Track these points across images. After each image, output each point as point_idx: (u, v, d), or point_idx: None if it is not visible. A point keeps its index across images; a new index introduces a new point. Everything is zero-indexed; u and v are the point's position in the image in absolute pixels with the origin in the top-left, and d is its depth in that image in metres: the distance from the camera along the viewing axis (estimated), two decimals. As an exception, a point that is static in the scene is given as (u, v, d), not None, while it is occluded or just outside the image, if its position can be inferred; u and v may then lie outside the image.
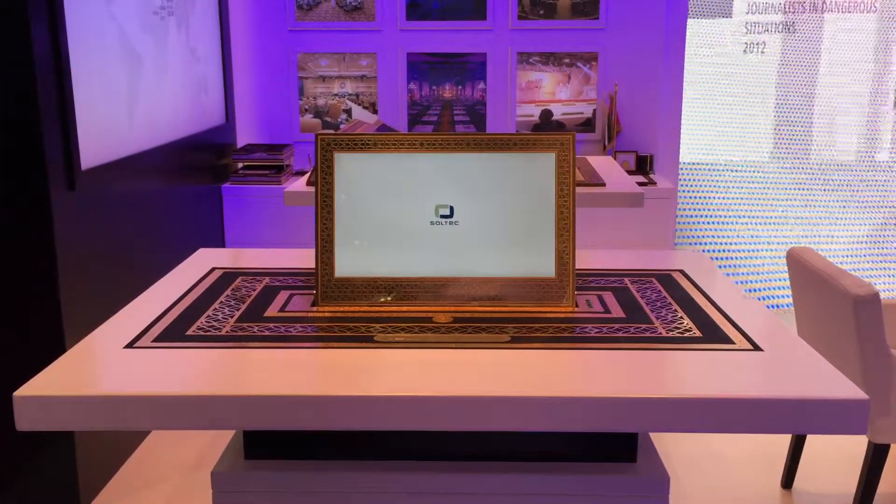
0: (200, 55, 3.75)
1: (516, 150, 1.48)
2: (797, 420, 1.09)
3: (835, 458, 2.88)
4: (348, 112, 4.39)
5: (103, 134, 2.80)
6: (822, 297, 2.33)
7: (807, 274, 2.43)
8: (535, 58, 4.36)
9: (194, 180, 3.77)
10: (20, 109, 2.40)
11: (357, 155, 1.49)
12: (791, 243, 4.40)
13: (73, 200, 2.58)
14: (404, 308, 1.44)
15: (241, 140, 4.30)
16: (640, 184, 4.09)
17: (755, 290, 4.53)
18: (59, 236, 2.49)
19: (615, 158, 4.31)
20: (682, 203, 4.54)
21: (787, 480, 2.74)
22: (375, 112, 4.39)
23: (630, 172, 4.28)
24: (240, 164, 4.11)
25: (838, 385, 1.11)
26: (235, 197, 4.05)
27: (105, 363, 1.21)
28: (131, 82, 3.02)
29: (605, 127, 4.36)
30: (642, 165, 4.36)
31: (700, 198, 4.60)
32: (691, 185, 4.60)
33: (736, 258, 4.57)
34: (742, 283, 4.52)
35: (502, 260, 1.46)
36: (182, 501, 2.64)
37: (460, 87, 4.37)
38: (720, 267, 4.47)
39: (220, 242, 4.02)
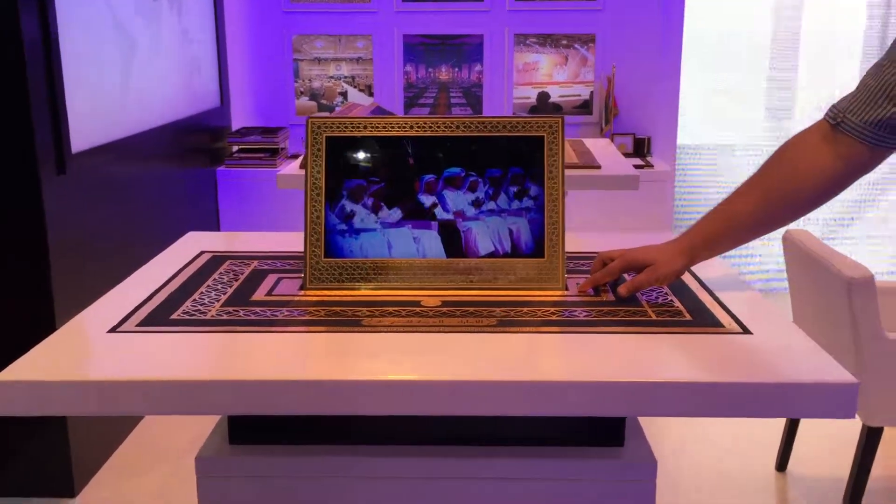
0: (193, 37, 3.72)
1: (506, 133, 1.47)
2: (784, 404, 1.07)
3: (829, 440, 2.88)
4: (344, 94, 4.37)
5: (95, 116, 2.78)
6: (817, 279, 2.31)
7: (802, 256, 2.42)
8: (533, 39, 4.33)
9: (189, 163, 3.75)
10: (8, 92, 2.38)
11: (347, 138, 1.47)
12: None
13: (64, 184, 2.56)
14: (393, 292, 1.43)
15: (237, 123, 4.28)
16: (637, 166, 4.07)
17: (752, 273, 4.52)
18: (49, 220, 2.48)
19: (612, 141, 4.29)
20: (680, 186, 4.52)
21: (781, 464, 2.74)
22: (371, 94, 4.37)
23: (627, 155, 4.26)
24: (235, 148, 4.10)
25: (827, 368, 1.10)
26: (230, 180, 4.03)
27: (88, 348, 1.20)
28: (123, 64, 3.00)
29: (603, 109, 4.34)
30: (640, 148, 4.34)
31: (698, 180, 4.58)
32: (689, 168, 4.58)
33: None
34: (739, 265, 4.51)
35: (492, 243, 1.45)
36: (177, 484, 2.64)
37: (457, 69, 4.34)
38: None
39: (214, 226, 4.01)
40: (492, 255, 1.45)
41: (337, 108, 4.29)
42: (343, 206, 1.46)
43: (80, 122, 2.67)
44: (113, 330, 1.26)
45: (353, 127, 1.47)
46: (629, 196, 3.87)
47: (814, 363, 1.12)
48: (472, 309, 1.35)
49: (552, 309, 1.35)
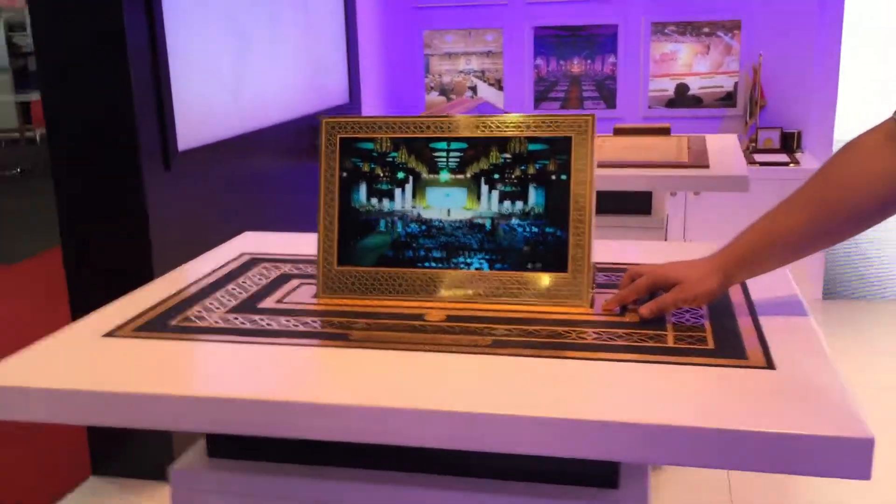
0: (321, 34, 3.77)
1: (530, 133, 1.35)
2: (785, 458, 0.91)
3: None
4: (473, 89, 4.30)
5: (205, 114, 2.86)
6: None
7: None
8: (671, 28, 4.09)
9: (314, 160, 3.80)
10: (113, 89, 2.47)
11: (363, 140, 1.40)
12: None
13: (170, 181, 2.64)
14: (401, 303, 1.35)
15: (367, 118, 4.31)
16: (781, 164, 3.76)
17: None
18: (153, 217, 2.56)
19: (757, 135, 3.99)
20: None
21: (916, 501, 2.43)
22: (501, 89, 4.28)
23: (773, 151, 3.95)
24: (364, 143, 4.12)
25: (842, 420, 0.92)
26: (357, 176, 4.06)
27: (75, 353, 1.20)
28: (238, 62, 3.07)
29: (748, 101, 4.04)
30: (788, 143, 4.00)
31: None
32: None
33: (888, 245, 4.11)
34: (890, 273, 4.07)
35: (515, 255, 1.34)
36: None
37: (589, 61, 4.17)
38: (867, 256, 4.05)
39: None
40: (515, 267, 1.33)
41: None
42: (358, 211, 1.39)
43: (189, 119, 2.74)
44: (109, 334, 1.26)
45: (367, 127, 1.39)
46: (772, 197, 3.56)
47: (829, 412, 0.94)
48: (475, 325, 1.25)
49: (562, 329, 1.23)
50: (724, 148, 2.75)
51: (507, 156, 1.35)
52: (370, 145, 1.39)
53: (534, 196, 1.34)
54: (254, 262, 1.64)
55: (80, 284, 2.62)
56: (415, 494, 1.15)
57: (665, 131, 2.98)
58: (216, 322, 1.30)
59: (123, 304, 1.41)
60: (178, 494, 1.20)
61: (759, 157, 3.85)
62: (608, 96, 4.18)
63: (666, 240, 2.65)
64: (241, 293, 1.44)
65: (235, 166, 3.07)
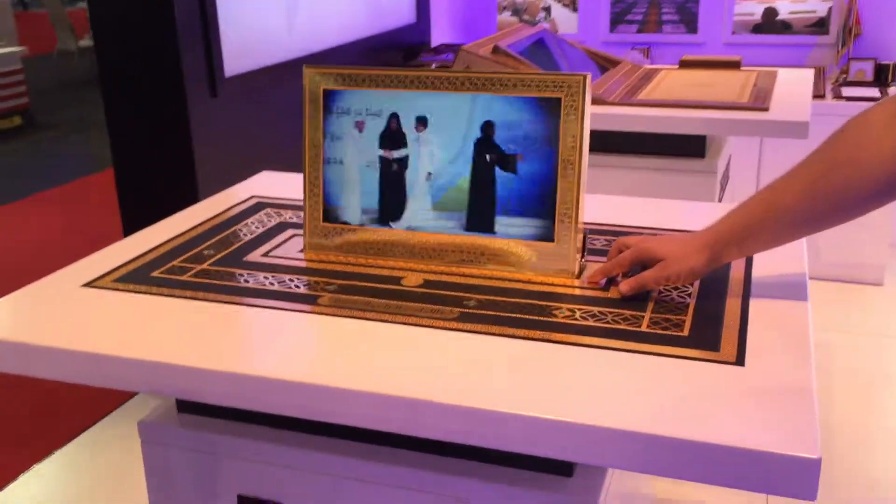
0: (386, -48, 3.66)
1: (519, 93, 1.26)
2: (724, 471, 0.85)
3: None
4: (547, 10, 4.13)
5: (256, 38, 2.83)
6: None
7: None
8: (762, -53, 3.80)
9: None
10: (157, 14, 2.46)
11: (348, 92, 1.34)
12: None
13: (216, 107, 2.64)
14: (383, 263, 1.32)
15: (436, 39, 4.20)
16: (871, 99, 3.50)
17: None
18: (198, 144, 2.57)
19: (848, 66, 3.72)
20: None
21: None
22: (576, 10, 4.09)
23: (865, 84, 3.68)
24: (433, 65, 4.03)
25: (791, 435, 0.85)
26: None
27: (49, 303, 1.22)
28: (291, -15, 3.01)
29: (841, 29, 3.75)
30: (882, 75, 3.71)
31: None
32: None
33: None
34: None
35: (501, 220, 1.28)
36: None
37: (670, -19, 3.93)
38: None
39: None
40: (502, 233, 1.28)
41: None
42: (343, 167, 1.35)
43: (238, 44, 2.72)
44: (89, 284, 1.27)
45: (351, 80, 1.34)
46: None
47: (780, 424, 0.87)
48: (449, 294, 1.20)
49: (538, 303, 1.17)
50: (795, 87, 2.56)
51: (498, 116, 1.27)
52: (356, 99, 1.33)
53: (524, 160, 1.26)
54: (260, 206, 1.62)
55: (131, 206, 2.67)
56: (371, 468, 1.13)
57: (735, 64, 2.79)
58: (196, 276, 1.30)
59: (118, 248, 1.42)
60: (147, 447, 1.22)
61: (847, 91, 3.59)
62: (689, 20, 3.94)
63: (723, 187, 2.51)
64: (233, 242, 1.43)
65: (287, 92, 3.05)
